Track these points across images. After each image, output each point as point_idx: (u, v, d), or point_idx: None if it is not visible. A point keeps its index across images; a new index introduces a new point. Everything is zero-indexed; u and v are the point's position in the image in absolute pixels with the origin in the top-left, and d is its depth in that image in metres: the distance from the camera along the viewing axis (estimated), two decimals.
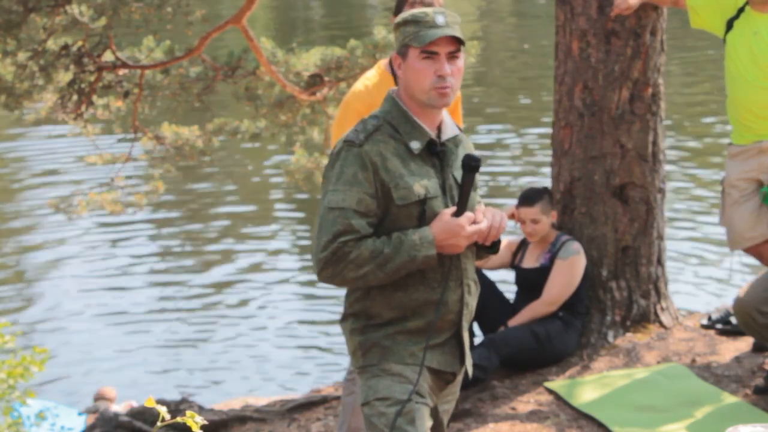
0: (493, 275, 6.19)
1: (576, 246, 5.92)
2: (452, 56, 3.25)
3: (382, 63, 4.86)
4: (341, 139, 3.29)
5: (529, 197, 5.98)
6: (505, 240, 6.19)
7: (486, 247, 3.38)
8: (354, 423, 4.82)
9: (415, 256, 3.20)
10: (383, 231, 3.24)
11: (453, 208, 3.26)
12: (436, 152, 3.30)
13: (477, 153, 3.34)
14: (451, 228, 3.23)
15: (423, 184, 3.25)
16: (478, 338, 6.00)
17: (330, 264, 3.19)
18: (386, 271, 3.20)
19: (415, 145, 3.27)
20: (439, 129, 3.34)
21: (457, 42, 3.25)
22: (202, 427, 2.35)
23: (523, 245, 6.12)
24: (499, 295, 6.08)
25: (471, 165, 3.26)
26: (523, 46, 22.81)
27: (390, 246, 3.19)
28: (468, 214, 3.26)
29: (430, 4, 4.57)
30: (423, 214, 3.25)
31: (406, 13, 3.29)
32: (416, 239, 3.20)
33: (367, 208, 3.21)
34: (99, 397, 8.23)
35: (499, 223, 3.30)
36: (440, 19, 3.24)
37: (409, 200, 3.24)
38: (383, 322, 3.30)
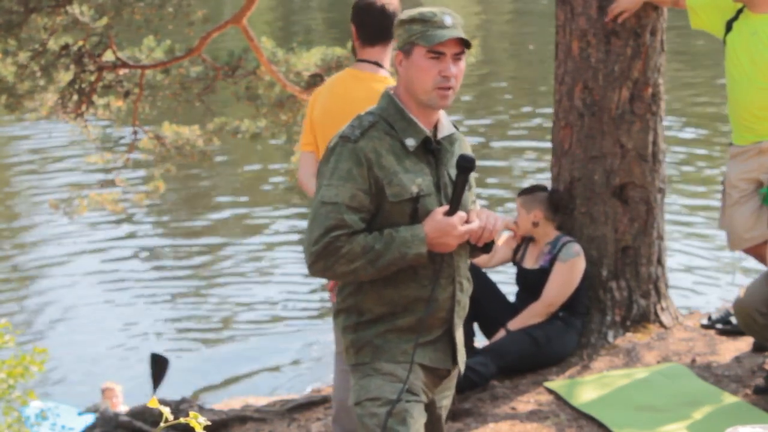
0: (493, 274, 6.20)
1: (576, 248, 5.92)
2: (456, 57, 3.27)
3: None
4: (337, 134, 3.30)
5: (525, 188, 6.20)
6: (507, 235, 6.21)
7: (479, 248, 3.39)
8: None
9: (406, 253, 3.21)
10: (376, 227, 3.25)
11: (445, 207, 3.27)
12: (431, 150, 3.31)
13: (471, 154, 3.34)
14: (443, 227, 3.23)
15: (417, 181, 3.26)
16: (477, 336, 6.01)
17: (321, 258, 3.20)
18: (377, 267, 3.21)
19: (411, 142, 3.28)
20: (435, 127, 3.35)
21: (463, 44, 3.27)
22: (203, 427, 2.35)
23: (524, 242, 6.14)
24: (498, 293, 6.08)
25: (465, 165, 3.26)
26: (528, 47, 22.80)
27: (381, 242, 3.20)
28: (460, 214, 3.26)
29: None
30: (416, 211, 3.26)
31: (413, 11, 3.30)
32: (408, 236, 3.21)
33: (360, 203, 3.22)
34: (105, 389, 8.22)
35: (493, 224, 3.31)
36: (448, 20, 3.26)
37: (402, 197, 3.24)
38: (374, 319, 3.31)
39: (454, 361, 3.41)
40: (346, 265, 3.20)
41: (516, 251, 6.16)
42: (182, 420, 2.27)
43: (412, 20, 3.28)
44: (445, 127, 3.37)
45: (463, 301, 3.40)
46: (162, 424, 2.24)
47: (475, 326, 6.01)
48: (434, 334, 3.35)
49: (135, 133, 8.71)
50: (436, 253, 3.28)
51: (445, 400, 3.50)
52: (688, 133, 15.24)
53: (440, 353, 3.37)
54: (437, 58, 3.24)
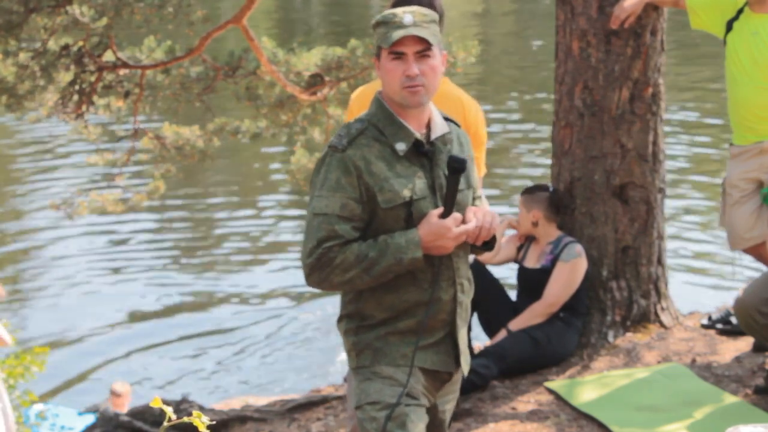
0: (493, 272, 6.20)
1: (578, 249, 5.92)
2: (422, 55, 3.21)
3: None
4: (327, 144, 3.28)
5: (526, 188, 6.21)
6: (511, 234, 6.22)
7: (479, 246, 3.37)
8: None
9: (402, 259, 3.19)
10: (372, 233, 3.23)
11: (440, 210, 3.24)
12: (424, 152, 3.28)
13: (462, 154, 3.30)
14: (438, 230, 3.20)
15: (409, 186, 3.23)
16: (476, 336, 6.00)
17: (316, 269, 3.19)
18: (373, 275, 3.19)
19: (401, 147, 3.24)
20: (429, 128, 3.31)
21: (425, 41, 3.21)
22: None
23: (527, 241, 6.14)
24: (502, 292, 6.08)
25: (454, 166, 3.22)
26: (531, 47, 22.79)
27: (375, 249, 3.18)
28: (455, 215, 3.23)
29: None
30: (410, 215, 3.23)
31: (379, 15, 3.27)
32: (402, 242, 3.19)
33: (351, 212, 3.20)
34: (116, 394, 8.21)
35: (490, 223, 3.28)
36: (408, 19, 3.20)
37: (395, 203, 3.22)
38: (376, 323, 3.29)
39: (457, 364, 3.38)
40: (341, 275, 3.19)
41: (519, 250, 6.16)
42: (186, 419, 2.26)
43: (377, 24, 3.25)
44: (439, 127, 3.32)
45: (465, 302, 3.38)
46: (165, 423, 2.24)
47: (476, 327, 6.01)
48: (435, 336, 3.32)
49: (135, 133, 8.71)
50: (435, 256, 3.25)
51: (449, 404, 3.46)
52: (689, 132, 15.23)
53: (442, 356, 3.34)
54: (399, 58, 3.21)
